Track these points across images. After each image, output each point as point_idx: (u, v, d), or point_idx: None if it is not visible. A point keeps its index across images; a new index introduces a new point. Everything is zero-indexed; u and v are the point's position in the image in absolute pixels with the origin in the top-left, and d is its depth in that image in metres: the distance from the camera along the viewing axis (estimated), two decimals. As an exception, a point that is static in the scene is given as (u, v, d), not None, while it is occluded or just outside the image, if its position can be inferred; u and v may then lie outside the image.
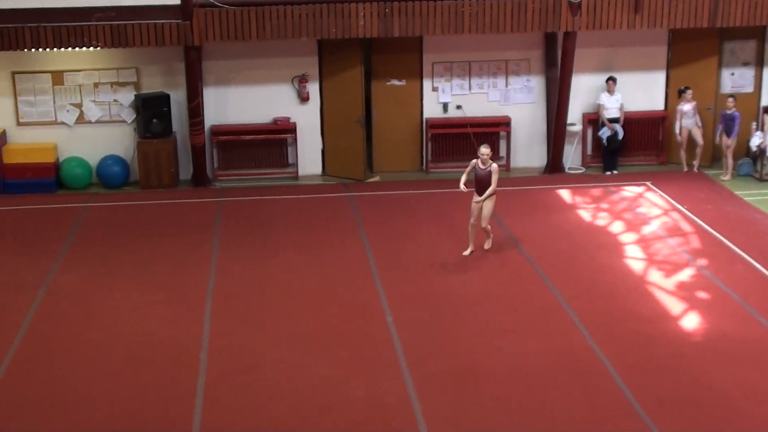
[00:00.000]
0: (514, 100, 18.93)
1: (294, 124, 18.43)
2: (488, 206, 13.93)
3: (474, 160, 14.05)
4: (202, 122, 17.69)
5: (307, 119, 18.51)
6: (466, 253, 14.08)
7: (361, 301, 12.51)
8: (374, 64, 18.65)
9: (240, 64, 18.12)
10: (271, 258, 14.05)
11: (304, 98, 18.36)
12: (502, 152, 18.96)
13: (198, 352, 11.07)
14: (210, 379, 10.43)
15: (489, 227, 14.09)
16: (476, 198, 13.97)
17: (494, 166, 13.92)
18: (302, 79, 18.29)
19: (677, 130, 18.41)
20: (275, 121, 18.39)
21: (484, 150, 13.89)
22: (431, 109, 18.81)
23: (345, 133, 18.33)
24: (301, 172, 18.62)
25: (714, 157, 18.88)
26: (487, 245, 14.21)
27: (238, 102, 18.31)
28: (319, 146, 18.73)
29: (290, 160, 18.67)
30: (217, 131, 18.28)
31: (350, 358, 10.94)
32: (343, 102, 18.24)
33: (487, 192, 13.87)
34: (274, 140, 18.50)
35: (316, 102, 18.49)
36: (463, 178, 14.03)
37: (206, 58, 17.88)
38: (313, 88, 18.40)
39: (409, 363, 10.74)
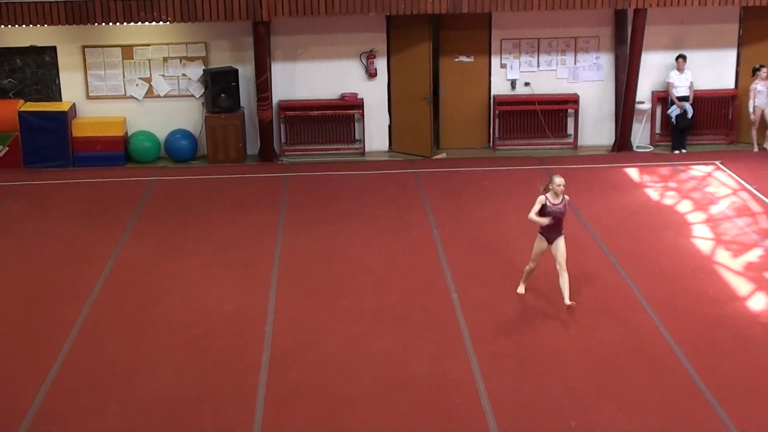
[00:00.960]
0: (583, 77, 18.79)
1: (361, 99, 18.50)
2: (563, 246, 11.56)
3: (541, 197, 11.47)
4: (269, 97, 17.84)
5: (375, 95, 18.57)
6: (520, 291, 12.11)
7: (427, 279, 12.58)
8: (442, 40, 18.63)
9: (308, 39, 18.23)
10: (337, 233, 14.18)
11: (371, 74, 18.42)
12: (570, 130, 18.85)
13: (263, 326, 11.24)
14: (275, 354, 10.59)
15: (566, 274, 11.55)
16: (541, 242, 11.62)
17: (567, 198, 11.68)
18: (370, 55, 18.35)
19: (751, 109, 18.15)
20: (343, 97, 18.49)
21: (559, 181, 11.37)
22: (499, 86, 18.75)
23: (412, 110, 18.37)
24: (367, 148, 18.71)
25: (786, 136, 18.60)
26: (567, 299, 11.45)
27: (305, 77, 18.43)
28: (386, 122, 18.80)
29: (357, 136, 18.77)
30: (285, 106, 18.43)
31: (415, 334, 11.03)
32: (410, 78, 18.26)
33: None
34: (341, 116, 18.60)
35: (383, 78, 18.54)
36: (535, 216, 11.49)
37: (274, 33, 18.01)
38: (381, 64, 18.45)
39: (474, 340, 10.80)
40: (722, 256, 13.21)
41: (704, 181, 16.57)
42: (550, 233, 11.52)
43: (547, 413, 9.36)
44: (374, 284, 12.46)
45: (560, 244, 11.51)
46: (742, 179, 16.46)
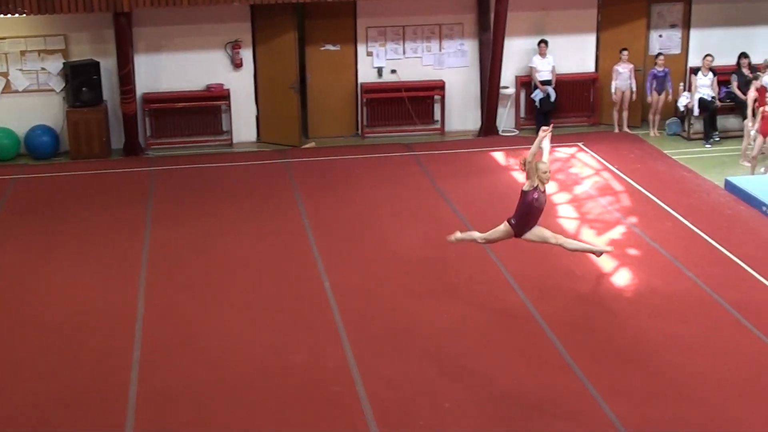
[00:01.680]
0: (448, 63, 19.00)
1: (227, 90, 18.31)
2: (542, 229, 11.17)
3: (529, 184, 10.74)
4: (133, 90, 17.50)
5: (241, 85, 18.40)
6: (451, 239, 11.77)
7: (299, 268, 12.54)
8: (308, 29, 18.57)
9: (171, 30, 17.93)
10: (207, 227, 14.00)
11: (237, 64, 18.25)
12: (437, 116, 19.05)
13: (133, 324, 11.02)
14: (146, 351, 10.38)
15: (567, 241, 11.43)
16: (507, 230, 11.14)
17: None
18: (235, 45, 18.17)
19: (612, 90, 18.67)
20: (208, 88, 18.27)
21: (544, 167, 10.74)
22: (366, 74, 18.82)
23: (279, 99, 18.28)
24: (235, 139, 18.53)
25: (643, 117, 19.20)
26: (601, 249, 11.91)
27: (170, 69, 18.13)
28: (254, 112, 18.66)
29: (224, 127, 18.57)
30: (149, 99, 18.10)
31: (289, 324, 10.99)
32: (277, 68, 18.17)
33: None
34: (207, 107, 18.37)
35: (249, 68, 18.39)
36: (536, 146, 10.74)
37: (136, 24, 17.66)
38: (247, 54, 18.29)
39: (347, 327, 10.82)
40: (587, 234, 13.57)
41: (568, 162, 16.97)
42: (523, 227, 10.91)
43: (422, 396, 9.44)
44: (247, 275, 12.35)
45: (537, 230, 11.00)
46: (604, 160, 16.92)
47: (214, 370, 9.99)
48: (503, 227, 11.08)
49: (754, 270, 12.22)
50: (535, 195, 10.78)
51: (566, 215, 14.32)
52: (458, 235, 11.65)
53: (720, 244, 13.08)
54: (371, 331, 10.76)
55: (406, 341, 10.51)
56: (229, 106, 18.37)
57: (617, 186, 15.63)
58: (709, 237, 13.35)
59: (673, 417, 9.03)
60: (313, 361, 10.14)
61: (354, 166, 16.80)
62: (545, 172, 10.57)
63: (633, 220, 14.10)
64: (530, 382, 9.69)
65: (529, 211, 10.78)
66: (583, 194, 15.27)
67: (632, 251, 12.96)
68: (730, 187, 15.43)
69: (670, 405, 9.23)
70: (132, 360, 10.19)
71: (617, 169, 16.41)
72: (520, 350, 10.32)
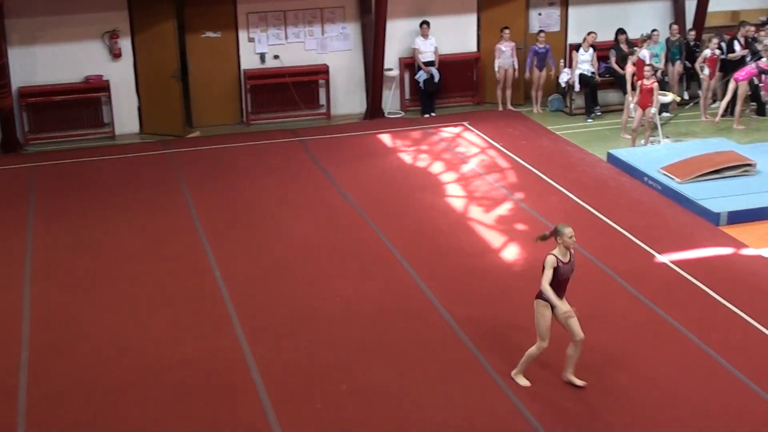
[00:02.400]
0: (331, 47, 18.94)
1: (107, 81, 17.89)
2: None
3: (551, 257, 8.96)
4: (8, 84, 16.95)
5: (121, 76, 18.00)
6: (523, 383, 9.28)
7: (189, 259, 12.35)
8: (187, 16, 18.28)
9: (46, 21, 17.41)
10: (92, 222, 13.67)
11: (116, 54, 17.84)
12: (322, 100, 18.98)
13: (20, 325, 10.69)
14: (34, 352, 10.08)
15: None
16: (546, 310, 9.07)
17: (548, 258, 9.05)
18: (113, 35, 17.76)
19: (496, 68, 18.87)
20: (87, 80, 17.82)
21: (569, 231, 9.02)
22: (248, 61, 18.62)
23: (161, 89, 17.96)
24: (117, 131, 18.13)
25: (526, 95, 19.47)
26: (574, 377, 9.27)
27: (46, 61, 17.61)
28: (135, 103, 18.28)
29: (105, 120, 18.14)
30: (26, 93, 17.56)
31: (181, 316, 10.83)
32: (157, 57, 17.84)
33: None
34: (87, 99, 17.91)
35: (129, 58, 18.00)
36: (552, 295, 8.94)
37: (8, 15, 17.09)
38: (125, 44, 17.90)
39: (241, 316, 10.72)
40: (475, 211, 13.72)
41: (454, 141, 17.11)
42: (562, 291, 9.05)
43: (318, 379, 9.43)
44: (137, 269, 12.11)
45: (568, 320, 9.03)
46: (489, 138, 17.12)
47: (106, 367, 9.78)
48: (538, 309, 9.07)
49: (638, 239, 12.53)
50: (565, 263, 9.04)
51: (455, 194, 14.44)
52: (522, 379, 9.31)
53: (605, 216, 13.37)
54: (265, 319, 10.69)
55: (300, 327, 10.47)
56: (109, 97, 17.96)
57: (503, 163, 15.83)
58: (594, 209, 13.63)
59: (564, 390, 9.19)
60: (207, 353, 10.01)
61: (240, 154, 16.63)
62: (571, 237, 8.96)
63: (519, 195, 14.30)
64: (424, 359, 9.75)
65: (558, 283, 9.01)
66: (470, 172, 15.42)
67: (520, 226, 13.15)
68: (612, 159, 15.78)
69: (560, 375, 9.38)
70: (20, 362, 9.89)
71: (502, 146, 16.61)
72: (413, 328, 10.37)
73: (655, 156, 15.48)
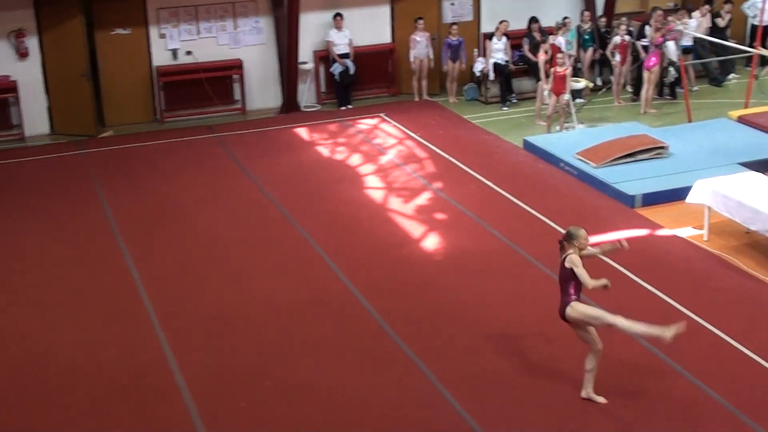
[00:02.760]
0: (245, 42, 18.74)
1: (14, 82, 17.43)
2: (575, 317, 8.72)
3: (575, 257, 8.61)
4: None
5: (29, 76, 17.53)
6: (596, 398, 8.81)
7: (105, 261, 12.11)
8: (96, 13, 17.88)
9: (-54, 22, 16.95)
10: (5, 227, 13.32)
11: (22, 54, 17.39)
12: (237, 95, 18.79)
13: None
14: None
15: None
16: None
17: (572, 257, 8.64)
18: (19, 34, 17.30)
19: (411, 59, 18.88)
20: (-7, 81, 17.40)
21: (584, 233, 8.77)
22: (160, 57, 18.33)
23: (71, 88, 17.57)
24: (27, 133, 17.66)
25: (442, 84, 19.52)
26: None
27: (-52, 64, 17.14)
28: (45, 104, 17.86)
29: (14, 121, 17.66)
30: (-71, 96, 17.08)
31: (99, 319, 10.61)
32: (65, 55, 17.44)
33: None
34: (-7, 101, 17.49)
35: (36, 57, 17.54)
36: (595, 281, 8.55)
37: None
38: (32, 43, 17.44)
39: (160, 317, 10.55)
40: (395, 202, 13.72)
41: (371, 133, 17.08)
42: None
43: (242, 377, 9.33)
44: (50, 273, 11.85)
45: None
46: (407, 128, 17.13)
47: (21, 374, 9.54)
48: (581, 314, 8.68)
49: (556, 224, 12.64)
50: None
51: (374, 185, 14.42)
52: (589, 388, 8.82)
53: (523, 202, 13.48)
54: (186, 319, 10.54)
55: (221, 326, 10.35)
56: (17, 98, 17.48)
57: (421, 153, 15.86)
58: (512, 195, 13.74)
59: (492, 370, 9.24)
60: (128, 355, 9.83)
61: (155, 152, 16.35)
62: (586, 238, 8.78)
63: (438, 185, 14.33)
64: (349, 351, 9.72)
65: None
66: (388, 163, 15.41)
67: (439, 215, 13.19)
68: (528, 146, 15.92)
69: (486, 359, 9.43)
70: (-70, 373, 9.63)
71: (420, 136, 16.64)
72: (338, 322, 10.34)
73: (570, 142, 15.65)
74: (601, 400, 8.67)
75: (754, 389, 8.84)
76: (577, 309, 8.59)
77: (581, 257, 8.60)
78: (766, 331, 9.87)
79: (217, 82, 18.53)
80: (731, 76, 20.10)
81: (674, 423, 8.41)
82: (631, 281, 11.02)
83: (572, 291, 8.61)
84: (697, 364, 9.22)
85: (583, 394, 8.72)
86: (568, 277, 8.58)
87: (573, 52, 18.81)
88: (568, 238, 8.70)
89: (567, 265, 8.56)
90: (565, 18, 18.95)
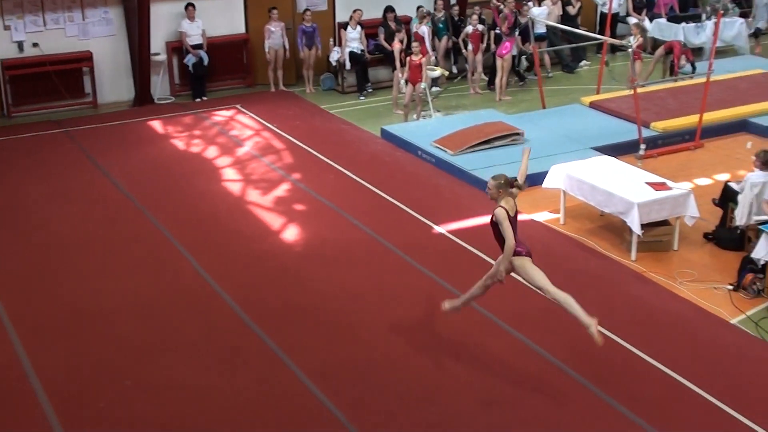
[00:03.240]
0: (94, 33, 18.20)
1: None
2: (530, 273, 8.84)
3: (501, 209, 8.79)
4: None
5: None
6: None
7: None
8: (-67, 5, 17.14)
9: None
10: None
11: None
12: (88, 88, 18.25)
13: None
14: None
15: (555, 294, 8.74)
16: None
17: (497, 211, 8.84)
18: None
19: (266, 50, 18.70)
20: None
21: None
22: (6, 50, 17.63)
23: None
24: None
25: (298, 74, 19.42)
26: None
27: None
28: None
29: None
30: None
31: (-55, 322, 10.17)
32: None
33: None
34: None
35: None
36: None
37: None
38: None
39: (13, 319, 10.14)
40: (253, 194, 13.56)
41: (228, 125, 16.86)
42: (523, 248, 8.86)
43: (101, 378, 9.06)
44: None
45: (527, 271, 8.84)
46: (263, 119, 16.98)
47: None
48: (528, 263, 8.85)
49: (416, 212, 12.74)
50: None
51: (231, 178, 14.23)
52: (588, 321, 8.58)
53: (382, 191, 13.52)
54: (39, 320, 10.16)
55: (78, 326, 10.02)
56: None
57: (278, 144, 15.74)
58: (371, 185, 13.76)
59: (355, 360, 9.22)
60: (-22, 359, 9.45)
61: (1, 149, 15.71)
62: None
63: (296, 176, 14.24)
64: (211, 347, 9.55)
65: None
66: (246, 155, 15.23)
67: (299, 206, 13.11)
68: (386, 135, 15.98)
69: (350, 350, 9.43)
70: None
71: (277, 127, 16.52)
72: (199, 317, 10.14)
73: (427, 130, 15.78)
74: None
75: (612, 367, 9.08)
76: (520, 264, 8.84)
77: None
78: (621, 311, 10.16)
79: (66, 75, 17.94)
80: (583, 62, 20.69)
81: (536, 400, 8.56)
82: (490, 266, 11.13)
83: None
84: (557, 345, 9.40)
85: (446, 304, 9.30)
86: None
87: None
88: (507, 186, 8.93)
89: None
90: (419, 7, 19.10)
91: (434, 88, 18.43)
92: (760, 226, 10.52)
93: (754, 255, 10.51)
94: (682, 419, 8.24)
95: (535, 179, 13.41)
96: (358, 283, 10.85)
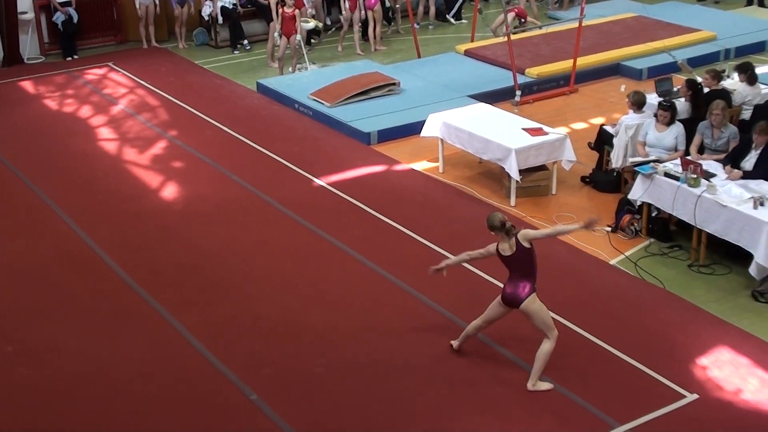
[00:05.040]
0: (-45, -8, 17.55)
1: None
2: (536, 310, 7.91)
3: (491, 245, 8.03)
4: None
5: None
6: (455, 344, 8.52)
7: None
8: None
9: None
10: None
11: None
12: (-50, 50, 17.62)
13: None
14: None
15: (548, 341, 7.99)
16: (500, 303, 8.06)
17: (526, 232, 7.90)
18: None
19: (137, 5, 18.27)
20: None
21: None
22: None
23: None
24: None
25: (170, 30, 19.07)
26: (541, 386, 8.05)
27: None
28: None
29: None
30: None
31: None
32: None
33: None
34: None
35: None
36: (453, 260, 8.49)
37: None
38: None
39: None
40: (130, 153, 13.34)
41: (100, 83, 16.50)
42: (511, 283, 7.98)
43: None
44: None
45: (534, 308, 7.93)
46: (136, 77, 16.67)
47: None
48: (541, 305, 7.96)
49: (295, 165, 12.73)
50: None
51: (106, 137, 13.96)
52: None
53: (261, 146, 13.46)
54: None
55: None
56: None
57: (153, 101, 15.48)
58: (249, 140, 13.68)
59: (240, 316, 9.22)
60: None
61: None
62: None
63: (173, 133, 14.06)
64: (94, 309, 9.41)
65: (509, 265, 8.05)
66: (120, 114, 14.95)
67: (177, 164, 12.96)
68: (262, 89, 15.87)
69: (234, 306, 9.41)
70: None
71: (151, 84, 16.24)
72: (80, 279, 9.98)
73: (303, 83, 15.72)
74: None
75: (485, 307, 9.25)
76: (532, 301, 7.86)
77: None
78: (500, 255, 10.33)
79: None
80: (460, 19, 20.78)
81: (425, 348, 8.70)
82: (372, 217, 11.27)
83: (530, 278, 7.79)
84: (441, 296, 9.54)
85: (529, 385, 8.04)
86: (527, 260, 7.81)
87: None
88: (498, 229, 7.90)
89: (524, 244, 7.78)
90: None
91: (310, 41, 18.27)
92: (636, 168, 10.79)
93: (631, 196, 10.80)
94: (566, 360, 8.45)
95: (412, 129, 13.56)
96: (240, 239, 10.81)
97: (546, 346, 7.93)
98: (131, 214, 11.47)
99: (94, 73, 17.00)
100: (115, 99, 15.61)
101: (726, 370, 8.27)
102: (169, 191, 12.14)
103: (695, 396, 7.93)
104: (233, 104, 15.28)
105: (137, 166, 12.90)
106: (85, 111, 15.14)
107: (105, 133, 14.16)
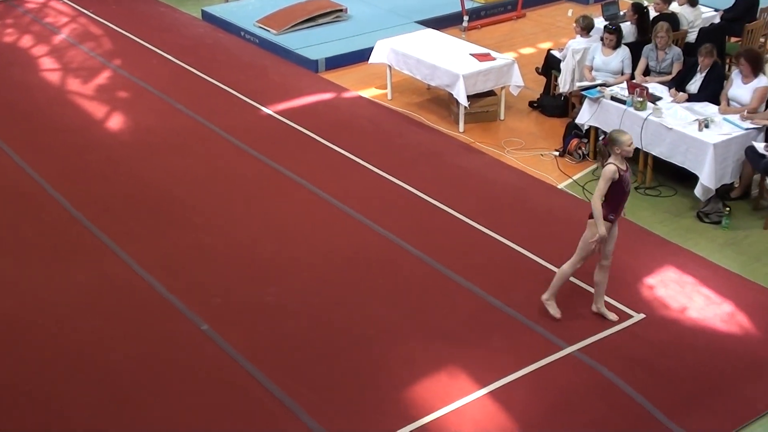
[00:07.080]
0: None
1: None
2: (585, 235, 7.78)
3: (612, 166, 7.49)
4: None
5: None
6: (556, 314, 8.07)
7: None
8: None
9: None
10: None
11: None
12: None
13: None
14: None
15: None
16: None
17: (606, 169, 7.55)
18: None
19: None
20: None
21: (628, 138, 7.55)
22: None
23: None
24: None
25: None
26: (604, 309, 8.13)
27: None
28: None
29: None
30: None
31: None
32: None
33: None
34: None
35: None
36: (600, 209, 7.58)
37: None
38: None
39: None
40: (74, 84, 13.11)
41: (41, 12, 16.14)
42: (617, 214, 7.76)
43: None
44: None
45: (615, 230, 7.89)
46: (78, 5, 16.33)
47: None
48: (591, 229, 7.66)
49: (242, 94, 12.60)
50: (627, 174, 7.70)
51: (49, 68, 13.68)
52: (550, 293, 8.14)
53: (207, 75, 13.30)
54: None
55: None
56: None
57: (96, 30, 15.18)
58: (196, 69, 13.50)
59: (189, 246, 9.17)
60: None
61: None
62: (630, 145, 7.55)
63: (117, 62, 13.82)
64: (41, 243, 9.30)
65: (623, 198, 7.73)
66: (62, 43, 14.65)
67: (122, 94, 12.75)
68: (207, 17, 15.64)
69: (184, 236, 9.34)
70: None
71: (93, 13, 15.92)
72: (26, 213, 9.82)
73: (249, 10, 15.50)
74: (611, 316, 8.06)
75: (446, 238, 9.31)
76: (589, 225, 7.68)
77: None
78: (448, 181, 10.37)
79: None
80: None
81: (373, 273, 8.75)
82: (322, 146, 11.22)
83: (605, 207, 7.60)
84: (395, 225, 9.56)
85: (594, 308, 8.11)
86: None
87: None
88: (610, 144, 7.55)
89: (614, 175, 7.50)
90: None
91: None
92: (583, 92, 10.85)
93: (578, 120, 10.88)
94: (516, 283, 8.56)
95: (360, 55, 13.46)
96: (188, 170, 10.70)
97: (564, 267, 8.01)
98: (76, 146, 11.30)
99: (34, 2, 16.62)
100: (57, 28, 15.28)
101: (672, 289, 8.42)
102: (115, 122, 11.96)
103: (642, 315, 8.07)
104: (178, 33, 15.04)
105: (81, 96, 12.68)
106: (26, 41, 14.81)
107: (47, 63, 13.88)
